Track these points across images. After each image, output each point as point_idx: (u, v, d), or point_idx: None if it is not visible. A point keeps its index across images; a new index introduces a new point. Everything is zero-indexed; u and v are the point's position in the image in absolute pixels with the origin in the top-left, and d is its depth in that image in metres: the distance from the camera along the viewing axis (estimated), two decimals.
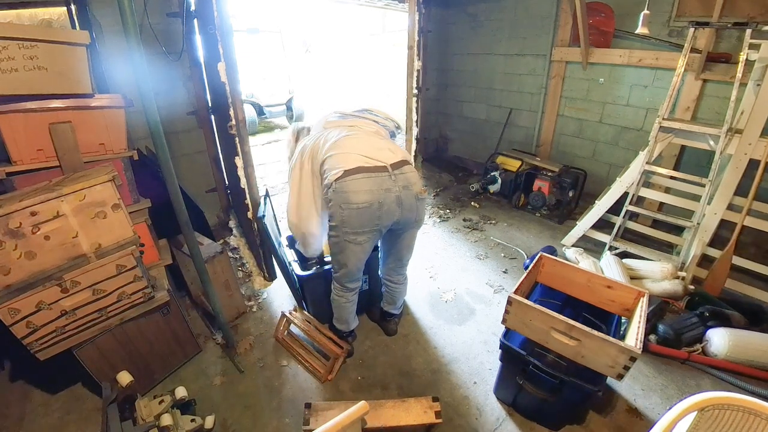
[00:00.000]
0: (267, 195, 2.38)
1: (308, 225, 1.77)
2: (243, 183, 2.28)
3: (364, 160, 1.56)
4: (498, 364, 1.73)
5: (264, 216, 2.10)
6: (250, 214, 2.38)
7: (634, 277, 2.52)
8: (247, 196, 2.31)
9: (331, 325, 2.05)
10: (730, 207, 2.43)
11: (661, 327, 2.07)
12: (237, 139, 2.15)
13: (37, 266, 1.36)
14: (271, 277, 2.66)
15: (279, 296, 2.54)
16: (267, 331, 2.24)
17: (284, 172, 5.12)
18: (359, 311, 2.11)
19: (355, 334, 2.12)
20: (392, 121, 1.86)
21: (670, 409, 0.96)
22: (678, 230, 2.88)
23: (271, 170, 5.23)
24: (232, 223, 3.12)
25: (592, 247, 3.02)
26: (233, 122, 2.10)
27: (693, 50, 2.60)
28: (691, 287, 2.41)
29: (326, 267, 2.00)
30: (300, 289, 2.19)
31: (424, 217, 1.79)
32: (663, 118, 2.46)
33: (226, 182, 2.95)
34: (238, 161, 2.22)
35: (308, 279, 2.03)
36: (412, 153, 3.73)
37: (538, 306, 1.48)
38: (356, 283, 1.87)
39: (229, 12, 1.92)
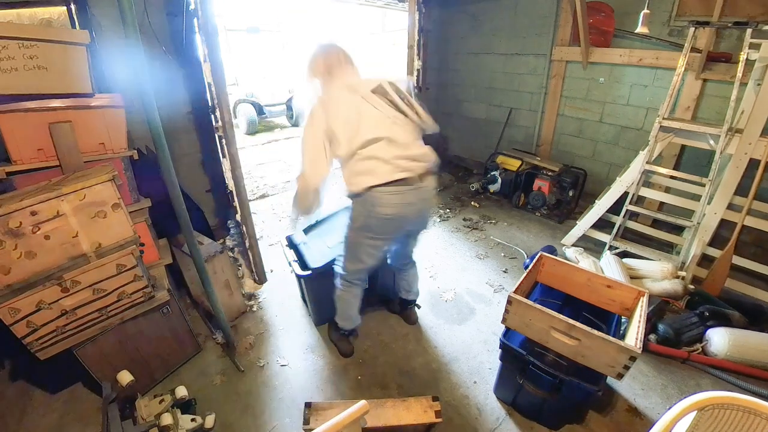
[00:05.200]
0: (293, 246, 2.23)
1: (320, 180, 1.55)
2: (231, 186, 2.25)
3: (394, 173, 1.49)
4: (498, 363, 1.73)
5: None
6: (239, 217, 2.37)
7: (634, 277, 2.52)
8: (235, 198, 2.29)
9: (334, 323, 2.05)
10: (730, 206, 2.43)
11: (661, 326, 2.07)
12: (223, 140, 2.13)
13: (37, 266, 1.36)
14: (261, 280, 2.64)
15: (279, 296, 2.54)
16: (267, 330, 2.25)
17: (284, 171, 5.11)
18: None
19: (357, 333, 2.12)
20: (430, 126, 1.68)
21: (670, 408, 0.96)
22: (678, 230, 2.87)
23: (272, 170, 5.23)
24: (230, 223, 3.12)
25: (592, 247, 3.02)
26: (219, 123, 2.08)
27: (693, 50, 2.60)
28: (691, 287, 2.41)
29: (327, 265, 2.00)
30: (300, 288, 2.19)
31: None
32: (663, 118, 2.46)
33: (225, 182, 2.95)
34: (225, 163, 2.18)
35: (309, 278, 2.03)
36: None
37: (538, 305, 1.48)
38: (364, 281, 1.89)
39: (216, 11, 1.91)
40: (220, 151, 2.21)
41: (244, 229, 2.40)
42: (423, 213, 1.69)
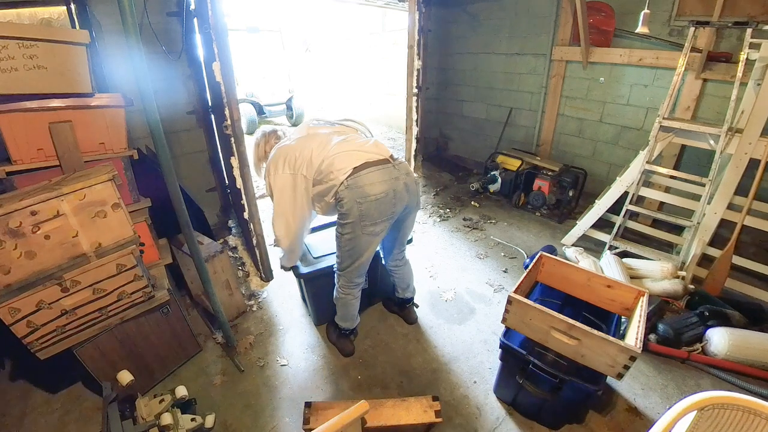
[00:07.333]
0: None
1: (301, 238, 1.83)
2: (239, 183, 2.27)
3: (367, 156, 1.63)
4: (498, 363, 1.73)
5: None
6: (246, 215, 2.38)
7: (634, 277, 2.52)
8: (243, 196, 2.30)
9: (333, 324, 2.05)
10: (730, 206, 2.43)
11: (661, 326, 2.07)
12: (232, 138, 2.14)
13: (37, 265, 1.36)
14: (267, 277, 2.65)
15: (279, 296, 2.54)
16: (267, 330, 2.25)
17: None
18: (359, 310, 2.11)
19: (357, 332, 2.13)
20: (368, 130, 1.96)
21: (669, 408, 0.96)
22: (678, 230, 2.88)
23: None
24: (231, 223, 3.13)
25: (592, 247, 3.02)
26: (228, 122, 2.09)
27: (693, 49, 2.60)
28: (691, 287, 2.41)
29: (327, 264, 2.00)
30: (300, 288, 2.19)
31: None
32: (663, 118, 2.46)
33: (226, 182, 2.95)
34: (234, 161, 2.21)
35: (309, 278, 2.03)
36: (412, 152, 3.73)
37: (538, 305, 1.48)
38: (363, 278, 1.90)
39: (225, 11, 1.91)
40: (228, 149, 2.22)
41: (252, 226, 2.41)
42: (410, 188, 1.72)
